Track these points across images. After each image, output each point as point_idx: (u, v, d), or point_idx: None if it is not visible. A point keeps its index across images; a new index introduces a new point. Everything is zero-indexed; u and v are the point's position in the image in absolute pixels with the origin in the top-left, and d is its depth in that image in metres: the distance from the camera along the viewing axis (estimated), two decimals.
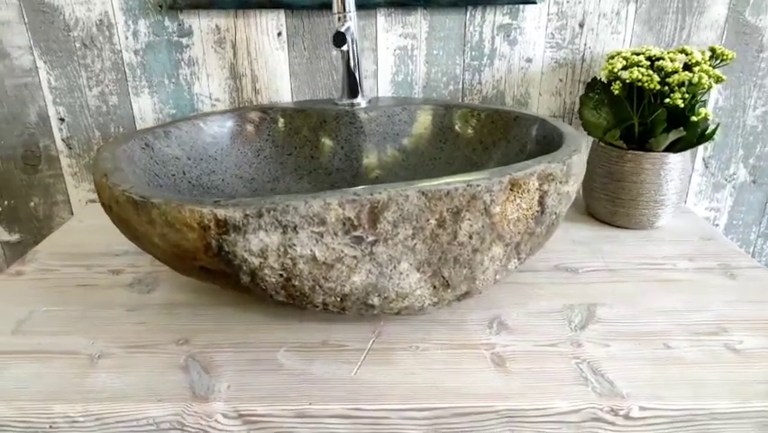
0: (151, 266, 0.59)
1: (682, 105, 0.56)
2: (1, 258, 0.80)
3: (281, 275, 0.38)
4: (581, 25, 0.67)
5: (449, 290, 0.44)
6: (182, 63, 0.69)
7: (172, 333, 0.48)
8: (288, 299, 0.41)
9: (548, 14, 0.66)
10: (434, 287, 0.43)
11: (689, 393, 0.40)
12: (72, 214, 0.77)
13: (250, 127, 0.62)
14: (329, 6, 0.64)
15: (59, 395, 0.41)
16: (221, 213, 0.36)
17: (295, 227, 0.36)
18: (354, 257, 0.38)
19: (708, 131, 0.59)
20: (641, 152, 0.60)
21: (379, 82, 0.69)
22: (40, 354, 0.45)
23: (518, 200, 0.43)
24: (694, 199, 0.76)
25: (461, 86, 0.70)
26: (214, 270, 0.40)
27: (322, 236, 0.37)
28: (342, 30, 0.51)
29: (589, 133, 0.64)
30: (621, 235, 0.63)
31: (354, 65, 0.61)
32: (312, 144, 0.63)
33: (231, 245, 0.36)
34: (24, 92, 0.70)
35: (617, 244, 0.62)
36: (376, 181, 0.61)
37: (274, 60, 0.69)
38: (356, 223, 0.37)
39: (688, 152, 0.61)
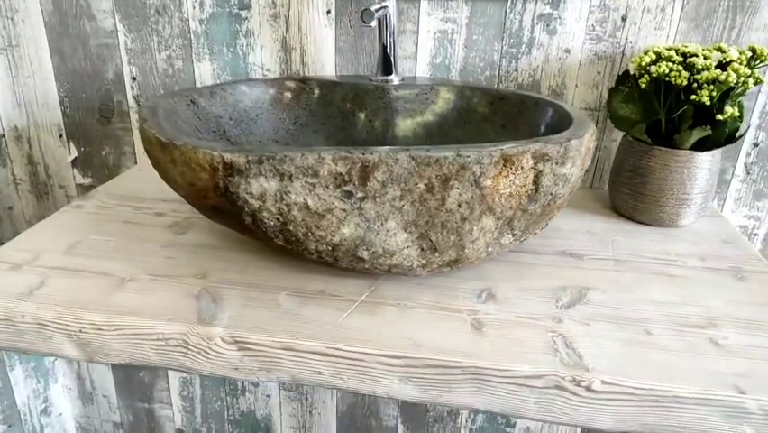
0: (191, 213, 0.66)
1: (709, 103, 0.55)
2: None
3: (278, 219, 0.43)
4: (624, 19, 0.67)
5: (437, 254, 0.47)
6: (240, 34, 0.75)
7: (193, 268, 0.54)
8: (287, 243, 0.45)
9: (590, 6, 0.67)
10: (422, 249, 0.46)
11: (655, 375, 0.41)
12: (136, 163, 0.85)
13: (289, 95, 0.67)
14: None
15: (88, 306, 0.48)
16: (228, 157, 0.41)
17: (290, 176, 0.41)
18: (344, 210, 0.42)
19: (739, 133, 0.58)
20: (666, 149, 0.60)
21: (418, 63, 0.73)
22: (81, 272, 0.52)
23: (512, 176, 0.45)
24: (732, 206, 0.73)
25: (497, 72, 0.71)
26: (222, 209, 0.45)
27: (314, 187, 0.41)
28: (373, 8, 0.55)
29: (616, 127, 0.64)
30: (640, 231, 0.63)
31: (389, 44, 0.64)
32: (343, 116, 0.67)
33: (235, 187, 0.41)
34: (105, 52, 0.79)
35: (633, 237, 0.62)
36: None
37: (322, 36, 0.73)
38: (347, 178, 0.41)
39: (718, 153, 0.60)
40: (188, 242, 0.59)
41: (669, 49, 0.59)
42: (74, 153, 0.86)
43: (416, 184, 0.43)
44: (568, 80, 0.71)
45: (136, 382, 1.04)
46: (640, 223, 0.65)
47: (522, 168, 0.45)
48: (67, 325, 0.47)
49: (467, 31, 0.70)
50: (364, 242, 0.44)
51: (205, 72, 0.78)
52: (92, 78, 0.81)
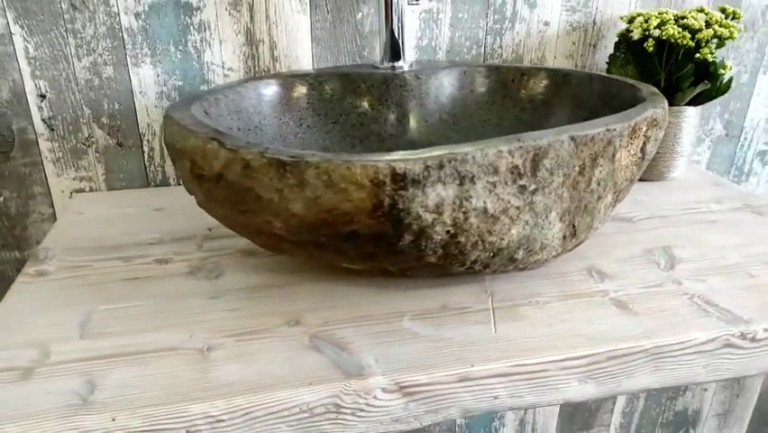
0: (200, 252, 0.53)
1: (711, 59, 0.60)
2: None
3: (449, 232, 0.36)
4: None
5: (573, 240, 0.44)
6: (191, 28, 0.62)
7: (275, 316, 0.43)
8: (441, 259, 0.38)
9: None
10: (564, 237, 0.43)
11: None
12: (52, 207, 0.66)
13: (292, 94, 0.57)
14: None
15: (188, 394, 0.35)
16: (400, 166, 0.33)
17: (472, 178, 0.34)
18: (517, 207, 0.37)
19: (724, 83, 0.65)
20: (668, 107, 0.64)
21: (404, 47, 0.67)
22: (133, 356, 0.39)
23: (630, 147, 0.44)
24: None
25: (483, 50, 0.70)
26: (367, 234, 0.36)
27: (495, 186, 0.35)
28: None
29: None
30: (646, 188, 0.67)
31: (398, 26, 0.59)
32: (359, 112, 0.59)
33: (407, 202, 0.34)
34: None
35: (649, 194, 0.65)
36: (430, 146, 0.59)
37: (294, 25, 0.64)
38: (521, 171, 0.36)
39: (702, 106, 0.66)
40: (236, 286, 0.47)
41: (660, 13, 0.63)
42: None
43: (574, 167, 0.39)
44: (548, 53, 0.72)
45: None
46: (640, 180, 0.69)
47: (638, 136, 0.44)
48: (168, 427, 0.34)
49: (452, 8, 0.67)
50: (528, 240, 0.39)
51: (146, 79, 0.63)
52: None
